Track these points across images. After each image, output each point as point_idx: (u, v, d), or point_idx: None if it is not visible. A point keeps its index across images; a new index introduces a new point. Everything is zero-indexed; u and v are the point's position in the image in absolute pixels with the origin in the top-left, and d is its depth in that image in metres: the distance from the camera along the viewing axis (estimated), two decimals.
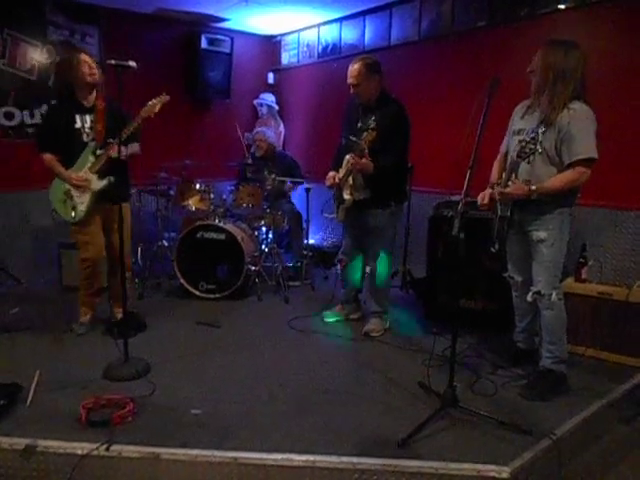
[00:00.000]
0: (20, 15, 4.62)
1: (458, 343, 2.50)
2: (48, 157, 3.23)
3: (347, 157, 3.27)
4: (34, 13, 4.69)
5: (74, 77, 3.16)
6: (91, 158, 3.20)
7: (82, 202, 3.22)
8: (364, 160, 3.12)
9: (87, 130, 3.22)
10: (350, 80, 3.25)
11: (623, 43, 3.47)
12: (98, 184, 3.21)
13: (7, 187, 4.59)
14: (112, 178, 3.20)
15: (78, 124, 3.21)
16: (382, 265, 3.43)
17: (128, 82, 2.75)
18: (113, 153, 3.07)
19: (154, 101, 3.12)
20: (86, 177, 3.19)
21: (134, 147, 3.32)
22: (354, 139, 3.19)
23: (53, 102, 3.76)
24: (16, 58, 4.62)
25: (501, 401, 2.59)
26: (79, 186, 3.20)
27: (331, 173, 3.43)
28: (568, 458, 2.29)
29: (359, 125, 3.32)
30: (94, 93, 3.25)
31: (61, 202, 3.25)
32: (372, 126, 3.18)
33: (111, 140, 3.14)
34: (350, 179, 3.27)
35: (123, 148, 3.04)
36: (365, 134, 3.11)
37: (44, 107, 4.74)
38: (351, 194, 3.30)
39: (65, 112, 3.22)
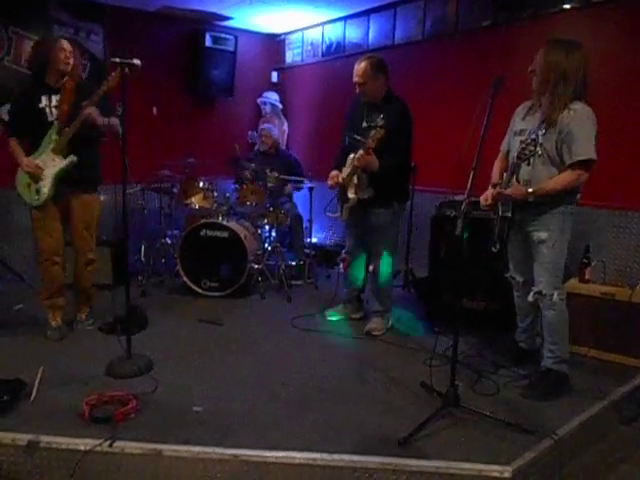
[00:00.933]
0: (25, 13, 4.63)
1: (460, 343, 2.50)
2: (13, 142, 3.17)
3: (351, 156, 3.27)
4: (39, 11, 4.70)
5: (48, 59, 3.10)
6: (54, 137, 3.09)
7: (45, 185, 3.11)
8: (371, 157, 3.11)
9: (52, 109, 3.12)
10: (356, 79, 3.25)
11: (627, 44, 3.46)
12: (60, 164, 3.09)
13: (9, 183, 4.60)
14: (75, 158, 3.09)
15: (43, 103, 3.11)
16: (385, 264, 3.43)
17: (132, 80, 2.75)
18: (87, 113, 2.98)
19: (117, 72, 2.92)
20: (39, 162, 3.08)
21: (113, 120, 3.15)
22: (359, 138, 3.19)
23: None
24: (21, 55, 4.63)
25: (503, 401, 2.60)
26: (32, 172, 3.08)
27: (334, 172, 3.43)
28: (569, 458, 2.30)
29: (364, 124, 3.32)
30: (64, 79, 3.14)
31: (25, 186, 3.16)
32: (380, 124, 3.17)
33: (85, 102, 3.00)
34: (355, 178, 3.27)
35: (101, 117, 3.02)
36: (373, 132, 3.09)
37: None
38: (355, 193, 3.29)
39: (31, 93, 3.16)
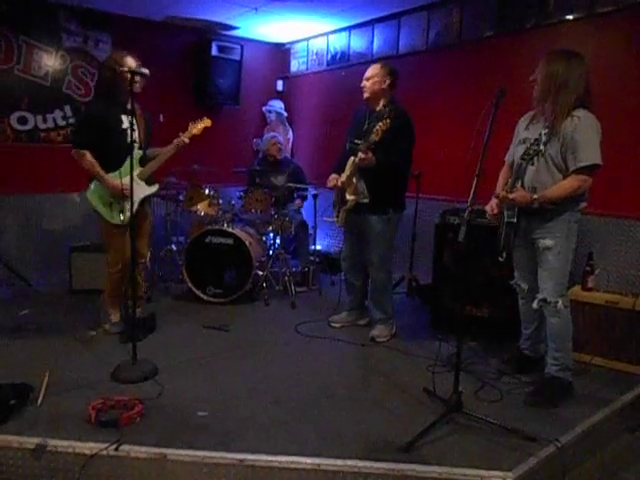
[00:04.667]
0: (35, 22, 4.72)
1: (464, 349, 2.52)
2: (89, 156, 3.17)
3: (351, 159, 3.30)
4: (48, 20, 4.79)
5: (120, 79, 3.10)
6: (139, 164, 3.27)
7: (129, 207, 3.13)
8: (369, 154, 3.11)
9: (131, 132, 3.14)
10: (366, 75, 3.34)
11: (630, 53, 3.49)
12: (147, 190, 3.28)
13: (19, 190, 4.66)
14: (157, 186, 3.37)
15: (125, 124, 3.20)
16: (380, 272, 3.46)
17: (140, 88, 2.80)
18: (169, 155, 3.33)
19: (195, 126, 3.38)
20: (128, 186, 3.11)
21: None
22: (359, 142, 3.22)
23: (91, 102, 3.68)
24: (31, 64, 4.71)
25: (506, 408, 2.60)
26: (125, 193, 3.10)
27: (333, 175, 3.47)
28: (572, 465, 2.30)
29: (365, 127, 3.35)
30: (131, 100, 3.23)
31: (107, 205, 3.25)
32: (385, 115, 3.12)
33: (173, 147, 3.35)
34: (354, 180, 3.30)
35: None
36: (379, 124, 3.05)
37: (57, 112, 4.83)
38: (354, 194, 3.32)
39: (113, 110, 3.21)
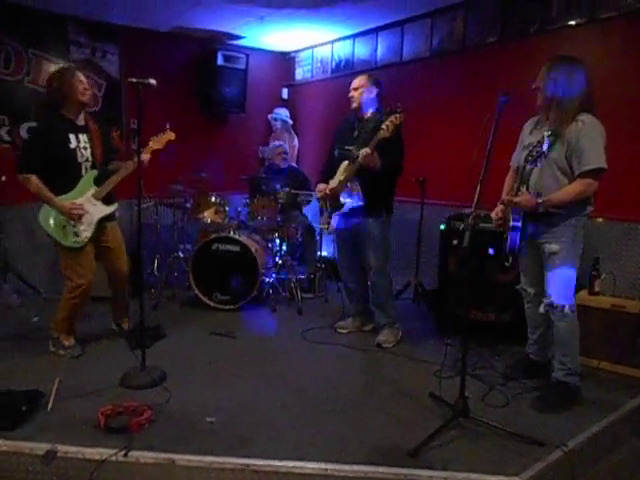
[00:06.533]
0: (44, 35, 4.80)
1: (470, 355, 2.52)
2: (35, 180, 3.03)
3: (345, 163, 3.34)
4: (57, 33, 4.87)
5: (67, 92, 3.05)
6: (94, 185, 3.15)
7: (85, 229, 3.13)
8: (375, 154, 3.12)
9: (82, 150, 3.12)
10: (353, 85, 3.44)
11: (633, 58, 3.50)
12: (106, 210, 3.20)
13: (26, 199, 4.71)
14: (116, 205, 3.26)
15: (73, 144, 3.09)
16: (380, 276, 3.47)
17: (147, 98, 2.85)
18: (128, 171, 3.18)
19: (157, 140, 3.28)
20: (84, 205, 3.11)
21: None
22: (350, 148, 3.28)
23: (37, 121, 3.52)
24: (39, 76, 4.78)
25: (513, 412, 2.60)
26: (74, 216, 3.06)
27: (321, 185, 3.52)
28: (580, 470, 2.29)
29: (355, 133, 3.41)
30: (82, 113, 3.18)
31: (59, 227, 3.10)
32: (396, 111, 3.10)
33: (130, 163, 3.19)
34: (348, 184, 3.34)
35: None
36: (391, 118, 3.04)
37: None
38: (349, 198, 3.37)
39: (58, 130, 3.09)
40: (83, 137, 3.15)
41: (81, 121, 3.19)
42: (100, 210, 3.20)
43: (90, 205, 3.16)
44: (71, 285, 3.17)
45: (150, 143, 3.28)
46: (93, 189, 3.18)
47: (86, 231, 3.14)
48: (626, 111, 3.46)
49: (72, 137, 3.11)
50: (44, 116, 3.40)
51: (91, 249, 3.22)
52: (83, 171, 3.16)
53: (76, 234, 3.12)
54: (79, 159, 3.13)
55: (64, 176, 3.11)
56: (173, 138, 3.35)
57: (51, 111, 3.15)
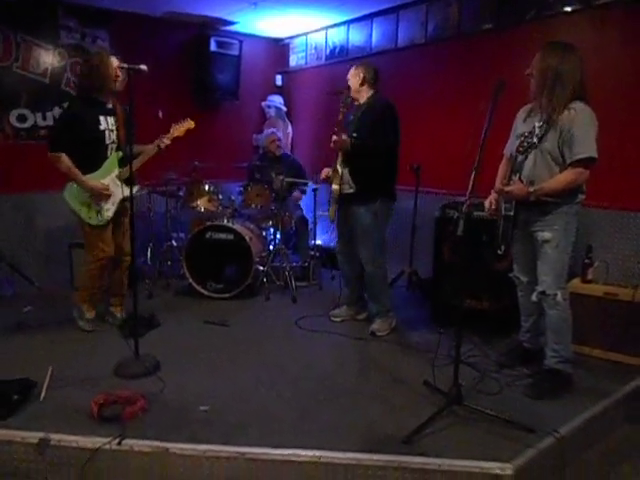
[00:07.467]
0: (33, 19, 4.70)
1: (464, 343, 2.53)
2: (65, 158, 3.15)
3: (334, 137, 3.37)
4: (47, 17, 4.77)
5: (103, 77, 3.15)
6: (119, 166, 3.28)
7: (109, 208, 3.28)
8: (344, 137, 3.26)
9: (110, 132, 3.26)
10: (348, 76, 3.48)
11: (629, 45, 3.48)
12: (127, 190, 3.21)
13: (19, 188, 4.67)
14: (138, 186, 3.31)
15: (102, 126, 3.23)
16: (373, 266, 3.47)
17: (138, 84, 2.81)
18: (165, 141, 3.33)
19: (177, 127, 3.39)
20: (109, 186, 3.24)
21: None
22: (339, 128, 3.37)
23: (69, 102, 3.64)
24: (29, 61, 4.70)
25: (506, 400, 2.61)
26: (104, 197, 3.23)
27: (325, 168, 3.59)
28: (572, 457, 2.31)
29: (350, 118, 3.48)
30: (112, 99, 3.32)
31: (85, 205, 3.25)
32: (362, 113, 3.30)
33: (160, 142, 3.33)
34: (339, 169, 3.38)
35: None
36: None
37: (56, 110, 4.82)
38: (339, 184, 3.39)
39: (91, 112, 3.22)
40: (111, 120, 3.29)
41: (110, 104, 3.30)
42: (122, 190, 3.30)
43: (114, 185, 3.30)
44: (91, 258, 3.33)
45: (172, 130, 3.41)
46: (117, 170, 3.31)
47: (109, 210, 3.29)
48: (621, 99, 3.45)
49: (102, 119, 3.24)
50: (77, 98, 3.54)
51: (111, 226, 3.36)
52: (109, 152, 3.30)
53: (99, 212, 3.26)
54: (107, 141, 3.27)
55: (92, 156, 3.23)
56: (193, 127, 3.47)
57: (85, 93, 3.29)
